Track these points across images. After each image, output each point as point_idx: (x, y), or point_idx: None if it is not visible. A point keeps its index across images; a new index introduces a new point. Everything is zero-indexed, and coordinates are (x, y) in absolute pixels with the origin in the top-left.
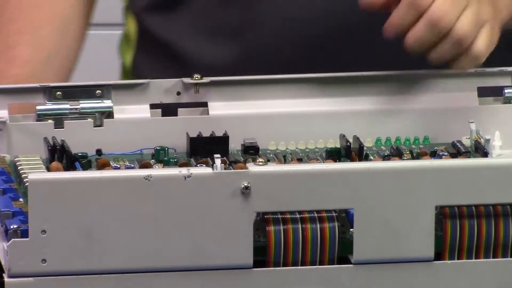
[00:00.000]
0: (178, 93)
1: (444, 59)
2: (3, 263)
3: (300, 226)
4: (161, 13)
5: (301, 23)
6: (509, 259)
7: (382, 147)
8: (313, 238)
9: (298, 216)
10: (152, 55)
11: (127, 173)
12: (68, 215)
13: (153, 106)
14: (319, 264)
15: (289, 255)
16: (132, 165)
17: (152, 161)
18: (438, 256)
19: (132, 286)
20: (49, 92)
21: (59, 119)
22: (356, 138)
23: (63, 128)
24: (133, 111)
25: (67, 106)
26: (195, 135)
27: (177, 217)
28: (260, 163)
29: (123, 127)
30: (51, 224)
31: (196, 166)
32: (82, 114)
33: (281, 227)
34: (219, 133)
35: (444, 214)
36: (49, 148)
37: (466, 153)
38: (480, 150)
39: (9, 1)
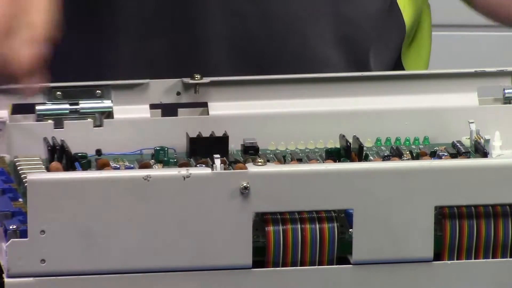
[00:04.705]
0: (178, 93)
1: None
2: (2, 263)
3: (299, 226)
4: None
5: None
6: (508, 259)
7: (382, 147)
8: (312, 239)
9: (297, 216)
10: None
11: (126, 173)
12: (67, 215)
13: (153, 106)
14: (318, 265)
15: (288, 255)
16: (132, 165)
17: (152, 161)
18: (438, 256)
19: (131, 287)
20: (49, 92)
21: (59, 119)
22: (356, 138)
23: (63, 128)
24: (133, 111)
25: (67, 106)
26: (195, 135)
27: (176, 217)
28: (259, 163)
29: (123, 127)
30: (50, 224)
31: (195, 166)
32: (82, 114)
33: (280, 227)
34: (219, 133)
35: (443, 215)
36: (49, 148)
37: (466, 154)
38: (480, 150)
39: None
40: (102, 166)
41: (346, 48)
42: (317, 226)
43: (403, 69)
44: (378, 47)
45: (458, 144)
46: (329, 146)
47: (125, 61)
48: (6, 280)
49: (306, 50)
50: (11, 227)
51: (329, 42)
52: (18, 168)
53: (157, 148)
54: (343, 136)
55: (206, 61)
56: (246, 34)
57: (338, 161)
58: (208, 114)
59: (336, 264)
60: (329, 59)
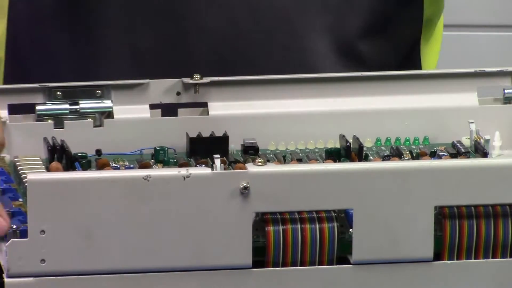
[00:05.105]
0: (178, 93)
1: None
2: (2, 263)
3: (299, 226)
4: None
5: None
6: (508, 259)
7: (382, 147)
8: (312, 238)
9: (297, 216)
10: None
11: (126, 173)
12: (67, 215)
13: (153, 106)
14: (318, 265)
15: (288, 255)
16: (132, 165)
17: (152, 161)
18: (437, 256)
19: (130, 287)
20: (49, 92)
21: (59, 119)
22: (355, 138)
23: (63, 128)
24: (133, 111)
25: (67, 106)
26: (194, 135)
27: (176, 218)
28: (259, 163)
29: (123, 127)
30: (50, 224)
31: (195, 166)
32: (82, 114)
33: (280, 227)
34: (219, 133)
35: (443, 215)
36: (49, 148)
37: (466, 153)
38: (480, 150)
39: None
40: (102, 166)
41: (334, 38)
42: (317, 226)
43: (418, 60)
44: (387, 37)
45: (458, 144)
46: (329, 146)
47: (114, 55)
48: (6, 280)
49: (295, 40)
50: (11, 227)
51: (318, 31)
52: (18, 168)
53: (157, 148)
54: (343, 136)
55: (194, 53)
56: (233, 26)
57: (338, 161)
58: (208, 114)
59: (336, 264)
60: (318, 49)
